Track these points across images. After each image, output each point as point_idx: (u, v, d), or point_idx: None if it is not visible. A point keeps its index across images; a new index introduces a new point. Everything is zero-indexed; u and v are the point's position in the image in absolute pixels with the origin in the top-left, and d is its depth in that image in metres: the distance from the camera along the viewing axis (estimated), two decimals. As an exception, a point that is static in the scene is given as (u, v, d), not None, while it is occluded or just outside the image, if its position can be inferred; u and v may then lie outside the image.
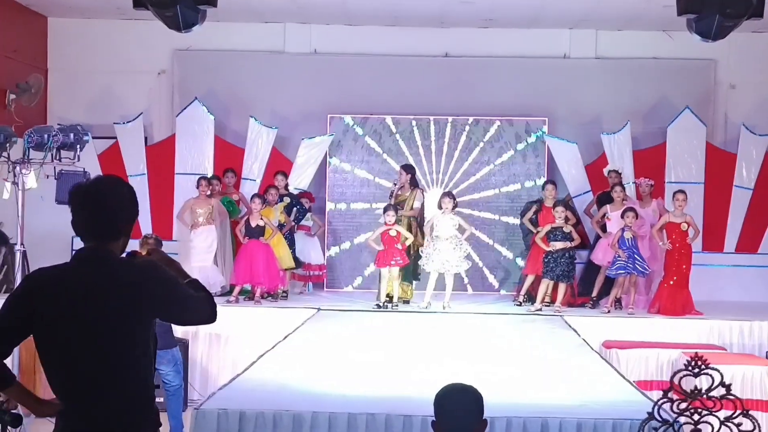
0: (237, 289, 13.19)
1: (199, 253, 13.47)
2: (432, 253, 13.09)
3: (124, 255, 4.39)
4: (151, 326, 4.34)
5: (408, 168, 14.16)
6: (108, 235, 4.30)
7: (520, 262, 14.76)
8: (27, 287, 4.27)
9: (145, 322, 4.29)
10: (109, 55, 15.86)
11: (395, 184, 14.12)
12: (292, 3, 14.46)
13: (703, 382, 4.83)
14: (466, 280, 15.00)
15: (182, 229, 13.93)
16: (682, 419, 4.85)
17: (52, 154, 12.26)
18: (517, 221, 14.59)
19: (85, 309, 4.16)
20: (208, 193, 13.72)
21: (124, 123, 15.27)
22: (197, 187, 13.73)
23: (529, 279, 13.67)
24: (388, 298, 13.31)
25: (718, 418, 4.83)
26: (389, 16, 15.09)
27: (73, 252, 4.46)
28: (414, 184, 13.99)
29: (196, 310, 4.42)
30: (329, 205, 15.43)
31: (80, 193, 4.33)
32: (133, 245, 4.82)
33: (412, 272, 13.78)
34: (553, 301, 13.22)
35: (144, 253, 4.61)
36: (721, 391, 4.78)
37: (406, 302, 13.57)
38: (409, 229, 13.49)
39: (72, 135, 12.46)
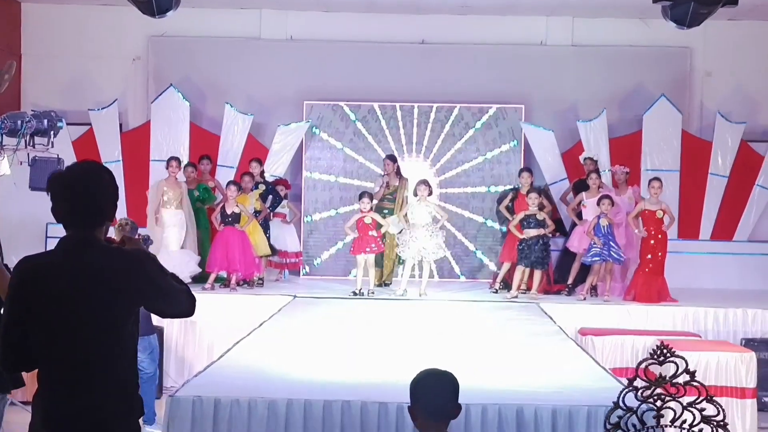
0: (212, 277, 13.16)
1: (173, 235, 13.40)
2: (408, 241, 13.09)
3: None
4: (137, 314, 4.37)
5: (393, 158, 14.29)
6: (93, 222, 4.32)
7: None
8: (19, 279, 4.28)
9: (132, 309, 4.32)
10: (83, 41, 15.77)
11: (383, 176, 14.18)
12: (268, -11, 14.41)
13: (670, 370, 4.85)
14: (434, 272, 15.03)
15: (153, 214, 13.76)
16: (646, 406, 4.87)
17: (25, 141, 12.14)
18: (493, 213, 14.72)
19: (73, 296, 4.17)
20: (179, 174, 13.63)
21: (98, 109, 15.19)
22: (167, 168, 13.66)
23: (505, 266, 13.69)
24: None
25: (681, 404, 4.85)
26: (365, 2, 15.06)
27: (52, 239, 4.47)
28: (399, 173, 14.10)
29: (179, 303, 4.47)
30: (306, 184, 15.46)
31: (62, 180, 4.33)
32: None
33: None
34: (528, 289, 13.24)
35: (118, 240, 4.60)
36: (686, 377, 4.80)
37: (387, 285, 13.66)
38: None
39: (46, 121, 12.34)
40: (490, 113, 15.41)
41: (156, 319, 10.93)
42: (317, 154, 15.50)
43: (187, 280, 12.97)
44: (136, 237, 9.43)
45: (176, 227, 13.43)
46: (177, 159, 13.82)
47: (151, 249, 11.60)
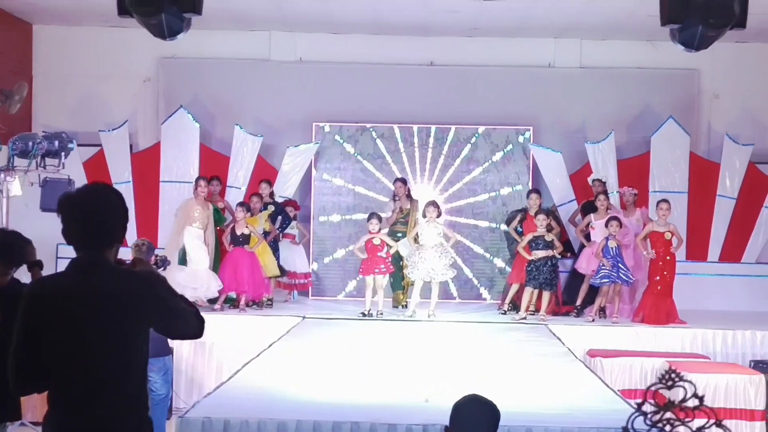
0: (222, 297, 13.17)
1: (202, 254, 13.27)
2: (417, 262, 13.10)
3: (128, 261, 4.44)
4: (147, 335, 4.40)
5: (404, 180, 14.41)
6: (103, 243, 4.36)
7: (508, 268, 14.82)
8: (29, 302, 4.31)
9: (142, 331, 4.36)
10: (94, 63, 15.85)
11: (394, 200, 14.19)
12: (278, 11, 14.47)
13: (679, 394, 4.87)
14: (455, 292, 15.07)
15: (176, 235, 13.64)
16: (655, 431, 4.88)
17: (36, 162, 12.22)
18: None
19: (84, 317, 4.22)
20: (205, 194, 13.53)
21: (109, 130, 15.25)
22: (195, 188, 13.52)
23: (514, 288, 13.70)
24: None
25: (690, 429, 4.86)
26: (374, 24, 15.11)
27: (63, 259, 4.52)
28: (409, 195, 14.16)
29: (188, 325, 4.53)
30: (316, 217, 15.49)
31: (72, 202, 4.37)
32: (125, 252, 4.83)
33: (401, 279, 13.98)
34: (537, 310, 13.24)
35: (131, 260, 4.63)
36: (695, 402, 4.81)
37: (405, 306, 13.74)
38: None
39: (57, 142, 12.42)
40: (494, 134, 15.45)
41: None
42: (328, 172, 15.53)
43: (209, 299, 13.06)
44: (153, 257, 9.47)
45: (205, 247, 13.31)
46: (204, 179, 13.76)
47: (172, 269, 11.67)
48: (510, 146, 15.47)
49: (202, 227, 13.31)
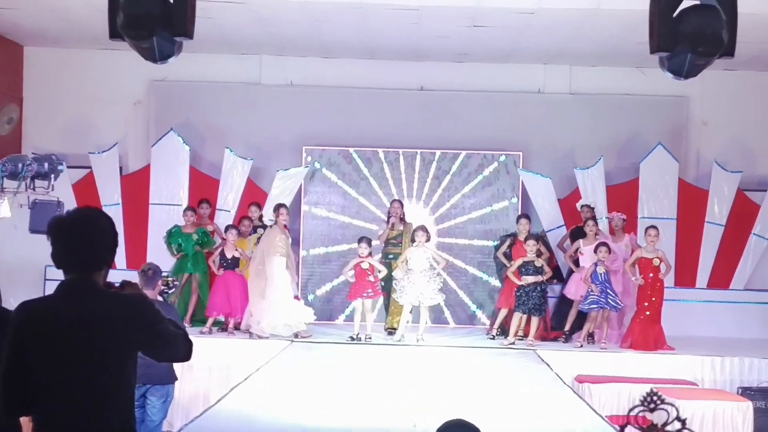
0: (210, 320, 13.14)
1: (287, 283, 13.10)
2: (406, 286, 13.10)
3: (117, 284, 4.44)
4: (135, 359, 4.40)
5: (401, 202, 14.35)
6: (92, 266, 4.36)
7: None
8: (18, 323, 4.30)
9: (130, 354, 4.36)
10: (84, 85, 15.85)
11: (388, 220, 14.14)
12: (268, 35, 14.50)
13: (662, 418, 4.88)
14: (449, 317, 15.11)
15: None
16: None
17: (26, 184, 12.22)
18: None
19: (71, 340, 4.21)
20: (286, 221, 13.36)
21: (99, 153, 15.26)
22: (275, 216, 13.33)
23: (503, 313, 13.70)
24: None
25: (673, 452, 4.87)
26: (365, 49, 15.16)
27: (51, 281, 4.53)
28: (403, 218, 14.14)
29: (176, 348, 4.53)
30: (303, 252, 15.45)
31: (62, 225, 4.38)
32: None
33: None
34: (526, 335, 13.24)
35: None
36: (677, 425, 4.83)
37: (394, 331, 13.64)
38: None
39: (46, 164, 12.43)
40: (485, 160, 15.49)
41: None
42: (316, 199, 15.51)
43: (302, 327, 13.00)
44: (161, 278, 9.30)
45: (287, 275, 13.14)
46: (285, 206, 13.62)
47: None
48: (495, 166, 15.46)
49: (282, 255, 13.10)
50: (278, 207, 13.48)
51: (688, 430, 4.85)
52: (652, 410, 4.85)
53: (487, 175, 15.50)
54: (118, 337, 4.25)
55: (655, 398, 4.81)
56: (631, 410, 4.91)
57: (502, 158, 15.45)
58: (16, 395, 4.26)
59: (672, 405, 4.83)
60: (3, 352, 4.27)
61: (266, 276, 12.89)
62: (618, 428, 8.23)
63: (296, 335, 12.90)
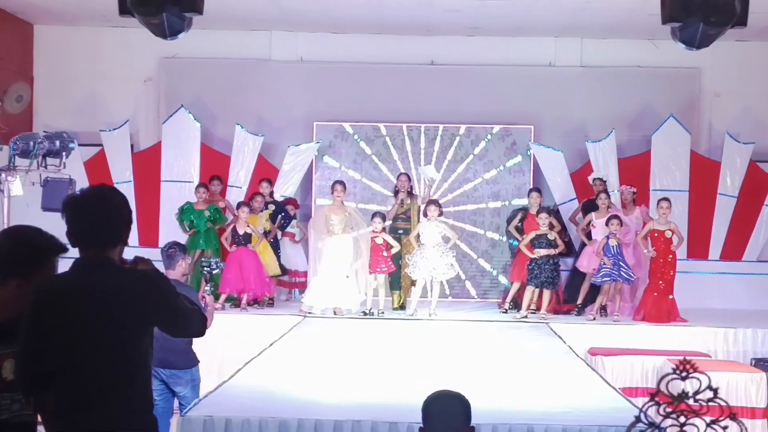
0: (223, 297, 13.17)
1: (330, 263, 13.08)
2: (419, 261, 13.10)
3: (130, 261, 4.47)
4: (151, 335, 4.44)
5: (408, 176, 14.31)
6: (108, 243, 4.40)
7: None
8: (35, 301, 4.33)
9: (145, 329, 4.40)
10: (95, 63, 15.87)
11: (396, 194, 14.12)
12: (278, 11, 14.47)
13: (689, 387, 4.87)
14: (447, 290, 15.01)
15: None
16: (668, 422, 4.88)
17: (38, 162, 12.21)
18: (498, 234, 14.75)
19: (87, 317, 4.25)
20: (343, 198, 13.42)
21: (110, 130, 15.27)
22: (332, 193, 13.48)
23: (515, 286, 13.71)
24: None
25: (705, 421, 4.85)
26: (375, 24, 15.12)
27: (64, 259, 4.53)
28: (411, 192, 14.12)
29: (191, 323, 4.59)
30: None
31: (77, 203, 4.43)
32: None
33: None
34: (538, 309, 13.25)
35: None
36: (708, 394, 4.81)
37: (402, 308, 13.62)
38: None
39: (58, 142, 12.41)
40: (496, 132, 15.45)
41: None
42: (327, 174, 15.50)
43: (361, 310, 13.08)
44: (187, 257, 9.08)
45: (345, 256, 13.12)
46: (342, 183, 13.63)
47: None
48: (512, 143, 15.46)
49: (342, 232, 13.10)
50: (334, 184, 13.56)
51: (721, 399, 4.83)
52: (684, 378, 4.83)
53: (496, 144, 15.50)
54: (135, 312, 4.28)
55: (687, 366, 4.79)
56: (662, 378, 4.89)
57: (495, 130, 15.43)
58: (35, 372, 4.29)
59: (705, 374, 4.81)
60: (21, 329, 4.30)
61: (323, 254, 13.07)
62: (632, 400, 8.24)
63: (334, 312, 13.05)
